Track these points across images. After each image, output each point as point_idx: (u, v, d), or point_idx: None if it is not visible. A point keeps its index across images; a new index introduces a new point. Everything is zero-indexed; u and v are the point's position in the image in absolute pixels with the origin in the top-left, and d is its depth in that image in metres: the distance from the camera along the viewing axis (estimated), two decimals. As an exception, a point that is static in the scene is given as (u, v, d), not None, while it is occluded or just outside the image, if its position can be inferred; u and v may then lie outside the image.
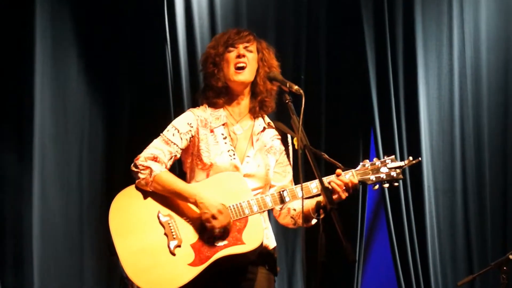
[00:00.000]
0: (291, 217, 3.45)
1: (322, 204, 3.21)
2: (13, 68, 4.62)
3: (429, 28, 5.71)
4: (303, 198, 3.22)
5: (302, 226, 3.37)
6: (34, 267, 4.51)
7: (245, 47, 3.48)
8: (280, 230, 5.02)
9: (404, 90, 5.59)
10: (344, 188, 3.25)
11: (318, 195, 3.28)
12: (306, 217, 3.31)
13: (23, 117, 4.61)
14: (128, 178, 3.43)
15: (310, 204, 3.29)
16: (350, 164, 3.39)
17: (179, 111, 4.43)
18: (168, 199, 3.31)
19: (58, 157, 4.71)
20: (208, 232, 3.25)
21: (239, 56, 3.45)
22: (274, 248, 3.46)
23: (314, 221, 3.26)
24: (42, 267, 4.55)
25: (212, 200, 3.25)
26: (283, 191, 3.33)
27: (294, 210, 3.43)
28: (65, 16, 4.77)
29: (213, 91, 3.48)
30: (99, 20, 4.83)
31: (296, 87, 3.20)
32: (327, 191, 3.13)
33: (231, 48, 3.47)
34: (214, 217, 3.22)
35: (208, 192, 3.28)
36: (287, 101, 3.23)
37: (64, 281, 4.65)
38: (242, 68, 3.44)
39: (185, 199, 3.29)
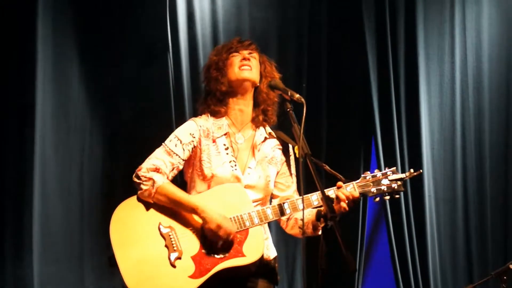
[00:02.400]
0: (299, 227, 3.41)
1: (322, 213, 3.20)
2: (15, 75, 4.62)
3: (431, 37, 5.70)
4: (303, 209, 3.20)
5: (311, 236, 3.34)
6: (34, 274, 4.51)
7: (249, 53, 3.47)
8: (280, 238, 5.01)
9: (405, 99, 5.58)
10: (345, 199, 3.23)
11: (320, 206, 3.26)
12: (313, 226, 3.31)
13: (25, 123, 4.61)
14: (128, 186, 3.43)
15: (314, 213, 3.30)
16: (351, 172, 3.38)
17: (181, 119, 4.44)
18: (169, 211, 3.29)
19: (58, 164, 4.71)
20: (210, 244, 3.24)
21: (244, 59, 3.44)
22: (274, 258, 3.45)
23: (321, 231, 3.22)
24: (42, 274, 4.55)
25: (215, 212, 3.23)
26: (284, 203, 3.32)
27: (301, 220, 3.36)
28: (66, 24, 4.77)
29: (216, 98, 3.45)
30: (101, 29, 4.83)
31: (297, 95, 3.19)
32: (328, 200, 3.12)
33: (234, 53, 3.47)
34: (217, 228, 3.20)
35: (210, 204, 3.26)
36: (288, 109, 3.22)
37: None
38: (247, 69, 3.43)
39: (188, 210, 3.27)
